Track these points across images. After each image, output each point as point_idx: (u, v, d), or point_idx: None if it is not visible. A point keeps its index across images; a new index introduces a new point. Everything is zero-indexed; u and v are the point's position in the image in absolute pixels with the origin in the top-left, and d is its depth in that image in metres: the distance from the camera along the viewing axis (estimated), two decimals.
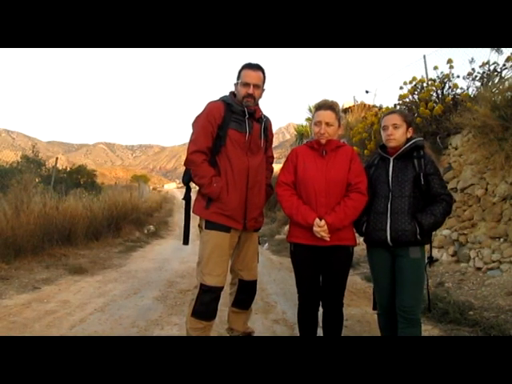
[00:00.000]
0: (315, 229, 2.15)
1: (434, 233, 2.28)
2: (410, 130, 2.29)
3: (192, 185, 2.46)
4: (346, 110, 10.49)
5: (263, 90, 2.43)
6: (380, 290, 2.31)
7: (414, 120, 5.45)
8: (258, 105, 2.43)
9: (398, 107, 6.62)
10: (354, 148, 6.79)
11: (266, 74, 2.42)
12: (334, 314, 2.31)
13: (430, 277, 4.44)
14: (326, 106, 2.30)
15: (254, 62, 2.40)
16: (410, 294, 2.14)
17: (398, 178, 2.20)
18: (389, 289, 2.24)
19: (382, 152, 2.34)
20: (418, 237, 2.12)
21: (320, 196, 2.21)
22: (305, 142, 2.43)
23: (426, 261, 2.24)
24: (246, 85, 2.32)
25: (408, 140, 2.26)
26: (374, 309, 2.42)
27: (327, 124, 2.26)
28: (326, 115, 2.27)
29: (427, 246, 2.26)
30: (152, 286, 4.71)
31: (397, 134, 2.22)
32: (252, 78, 2.33)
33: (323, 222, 2.15)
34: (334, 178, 2.22)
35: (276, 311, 3.74)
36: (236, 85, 2.40)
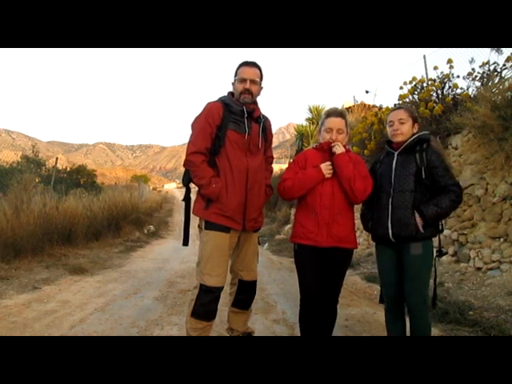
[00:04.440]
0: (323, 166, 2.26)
1: (443, 224, 2.25)
2: (416, 125, 2.30)
3: (192, 185, 2.46)
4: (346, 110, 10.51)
5: (261, 88, 2.43)
6: (385, 287, 2.33)
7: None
8: (256, 103, 2.43)
9: None
10: (354, 148, 6.82)
11: (264, 73, 2.42)
12: (329, 311, 2.37)
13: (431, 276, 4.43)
14: (337, 113, 2.35)
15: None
16: (412, 291, 2.15)
17: (400, 172, 2.21)
18: (394, 286, 2.25)
19: (388, 147, 2.37)
20: (421, 230, 2.11)
21: (325, 199, 2.26)
22: (313, 145, 2.46)
23: (435, 254, 2.23)
24: (243, 80, 2.33)
25: (413, 135, 2.27)
26: (381, 302, 2.43)
27: (338, 131, 2.31)
28: (337, 122, 2.32)
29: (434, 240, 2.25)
30: (152, 286, 4.72)
31: (403, 129, 2.24)
32: (248, 73, 2.34)
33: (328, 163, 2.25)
34: (340, 182, 2.27)
35: (276, 311, 3.74)
36: (233, 83, 2.41)
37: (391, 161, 2.28)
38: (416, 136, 2.24)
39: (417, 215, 2.13)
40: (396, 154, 2.27)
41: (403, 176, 2.19)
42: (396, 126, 2.25)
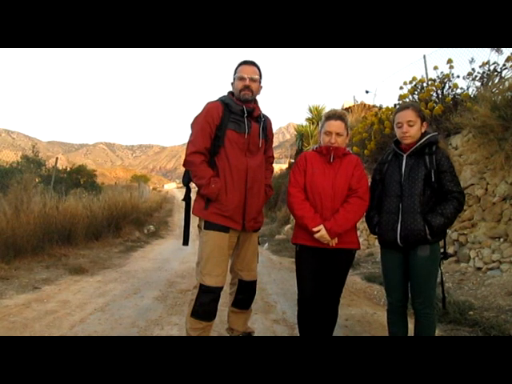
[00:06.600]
0: (317, 235, 2.20)
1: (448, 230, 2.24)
2: (424, 124, 2.26)
3: (192, 185, 2.46)
4: (346, 110, 10.49)
5: (261, 87, 2.44)
6: (389, 289, 2.31)
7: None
8: (256, 102, 2.43)
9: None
10: (354, 148, 6.82)
11: (264, 73, 2.44)
12: (330, 311, 2.38)
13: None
14: (336, 116, 2.33)
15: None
16: (418, 292, 2.14)
17: (410, 176, 2.17)
18: (399, 288, 2.23)
19: (396, 148, 2.31)
20: (429, 237, 2.09)
21: (326, 200, 2.26)
22: (313, 147, 2.46)
23: (441, 257, 2.22)
24: (242, 78, 2.34)
25: (422, 135, 2.22)
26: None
27: (337, 134, 2.30)
28: (337, 126, 2.30)
29: (441, 243, 2.24)
30: (152, 286, 4.71)
31: (412, 131, 2.20)
32: (248, 71, 2.35)
33: (321, 226, 2.19)
34: (340, 183, 2.27)
35: (276, 311, 3.74)
36: (233, 83, 2.41)
37: (400, 163, 2.23)
38: (426, 138, 2.19)
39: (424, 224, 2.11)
40: (405, 156, 2.23)
41: (413, 179, 2.15)
42: (405, 128, 2.20)
